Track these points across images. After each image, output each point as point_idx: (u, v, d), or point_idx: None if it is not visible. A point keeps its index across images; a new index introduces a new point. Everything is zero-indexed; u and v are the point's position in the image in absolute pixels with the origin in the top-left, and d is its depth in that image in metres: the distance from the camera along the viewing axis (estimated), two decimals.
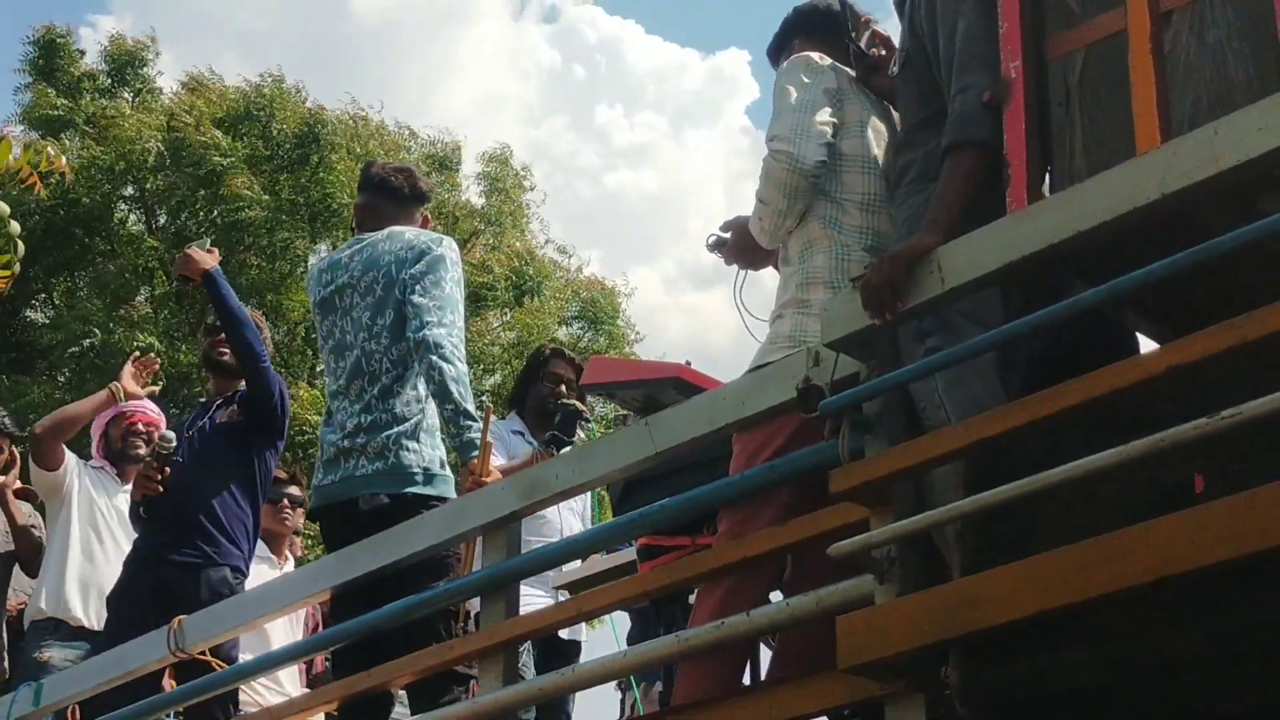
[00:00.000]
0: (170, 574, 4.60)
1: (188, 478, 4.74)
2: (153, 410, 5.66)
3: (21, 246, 3.25)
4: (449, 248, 3.97)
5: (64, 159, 3.38)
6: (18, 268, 3.30)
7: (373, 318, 3.90)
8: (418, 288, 3.84)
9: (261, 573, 5.13)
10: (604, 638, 7.44)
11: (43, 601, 5.28)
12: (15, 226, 3.21)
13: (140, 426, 5.56)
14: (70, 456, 5.59)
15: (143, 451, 5.38)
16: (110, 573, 5.24)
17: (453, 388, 3.68)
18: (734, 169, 38.18)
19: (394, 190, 4.20)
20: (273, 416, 4.72)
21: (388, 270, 3.91)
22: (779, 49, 3.51)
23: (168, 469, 4.73)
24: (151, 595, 4.54)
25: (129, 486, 5.42)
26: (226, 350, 4.84)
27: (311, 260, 19.12)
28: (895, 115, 3.34)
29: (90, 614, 5.27)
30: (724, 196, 36.20)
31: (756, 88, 37.58)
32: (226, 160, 18.08)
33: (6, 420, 5.97)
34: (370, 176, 4.31)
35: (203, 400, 5.20)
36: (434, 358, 3.71)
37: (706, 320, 33.12)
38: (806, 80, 3.22)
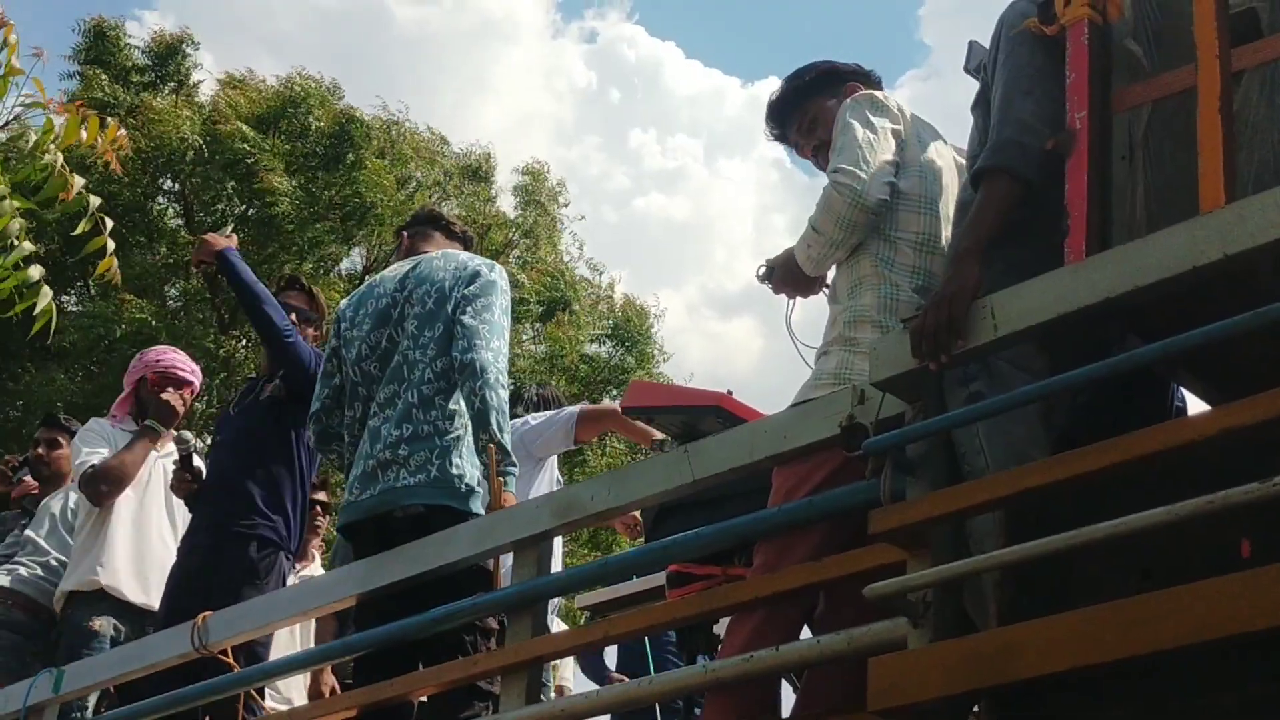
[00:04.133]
0: (204, 550, 4.65)
1: (228, 453, 4.86)
2: (176, 367, 5.57)
3: (109, 222, 3.24)
4: (501, 275, 4.04)
5: (123, 133, 3.39)
6: (112, 244, 3.29)
7: (420, 328, 3.91)
8: (470, 309, 3.86)
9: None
10: None
11: (90, 574, 5.18)
12: (95, 200, 3.19)
13: (171, 389, 5.51)
14: (99, 424, 5.58)
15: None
16: (151, 547, 5.27)
17: (492, 417, 3.68)
18: (764, 201, 38.22)
19: (447, 224, 4.40)
20: (307, 386, 4.56)
21: (441, 285, 3.94)
22: (804, 99, 3.54)
23: (197, 466, 4.82)
24: (197, 574, 4.61)
25: (167, 446, 5.47)
26: None
27: (343, 265, 19.22)
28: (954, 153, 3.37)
29: (138, 587, 5.21)
30: (752, 228, 36.22)
31: None
32: (256, 151, 18.18)
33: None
34: (425, 213, 4.51)
35: (253, 376, 5.20)
36: (478, 384, 3.72)
37: (728, 347, 33.13)
38: (873, 117, 3.23)
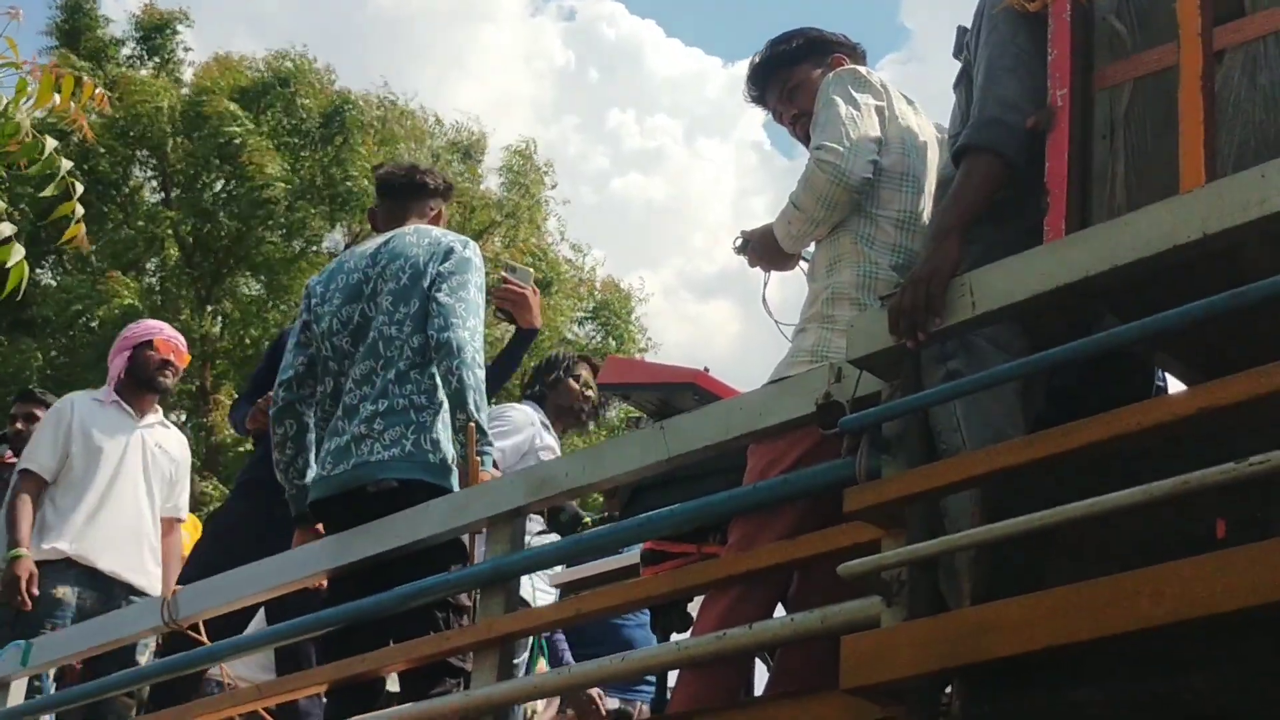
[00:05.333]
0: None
1: None
2: (179, 341, 5.65)
3: (80, 187, 3.18)
4: (475, 251, 4.00)
5: (100, 91, 3.33)
6: (80, 210, 3.23)
7: (395, 304, 3.87)
8: (445, 286, 3.83)
9: None
10: None
11: (57, 542, 5.22)
12: (66, 164, 3.13)
13: (172, 359, 5.56)
14: (66, 400, 5.63)
15: (170, 383, 5.57)
16: (124, 516, 5.26)
17: (469, 396, 3.65)
18: (743, 184, 38.16)
19: (396, 188, 4.28)
20: None
21: (415, 261, 3.90)
22: (785, 67, 3.50)
23: None
24: (269, 522, 4.41)
25: (149, 419, 5.55)
26: None
27: (325, 244, 19.15)
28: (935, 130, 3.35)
29: (109, 556, 5.24)
30: (730, 210, 36.16)
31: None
32: (244, 130, 18.07)
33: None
34: (378, 183, 4.43)
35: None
36: (455, 363, 3.69)
37: (706, 329, 33.15)
38: (856, 93, 3.19)
